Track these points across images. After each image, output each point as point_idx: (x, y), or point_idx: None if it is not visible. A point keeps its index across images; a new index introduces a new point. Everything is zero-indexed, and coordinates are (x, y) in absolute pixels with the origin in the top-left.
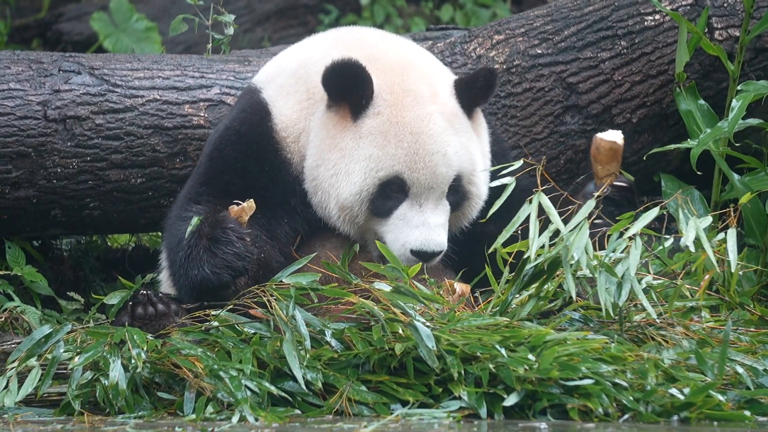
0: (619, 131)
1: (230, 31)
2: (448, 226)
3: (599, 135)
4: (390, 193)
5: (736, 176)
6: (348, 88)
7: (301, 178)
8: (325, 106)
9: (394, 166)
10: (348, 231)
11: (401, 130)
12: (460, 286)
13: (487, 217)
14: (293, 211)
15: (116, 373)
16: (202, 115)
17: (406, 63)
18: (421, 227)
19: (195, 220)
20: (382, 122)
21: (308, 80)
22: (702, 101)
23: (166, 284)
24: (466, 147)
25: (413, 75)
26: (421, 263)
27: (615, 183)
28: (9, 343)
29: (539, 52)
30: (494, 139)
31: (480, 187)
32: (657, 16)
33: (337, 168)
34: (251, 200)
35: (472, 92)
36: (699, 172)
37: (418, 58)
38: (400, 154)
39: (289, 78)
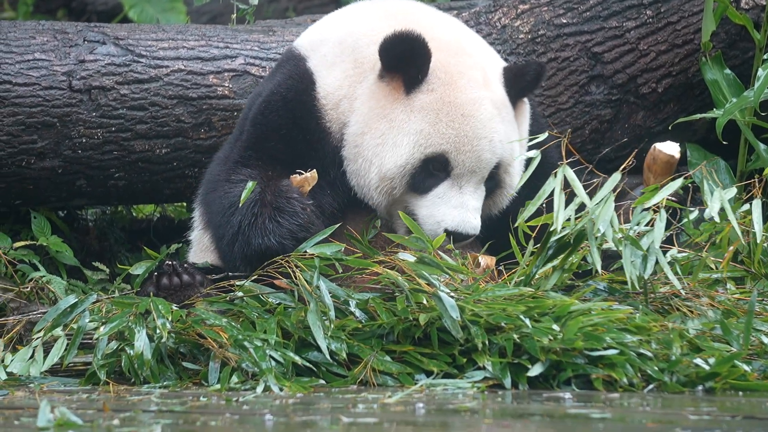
0: (677, 144)
1: (255, 1)
2: (483, 209)
3: (657, 146)
4: (432, 171)
5: (762, 146)
6: (407, 60)
7: (340, 146)
8: (377, 76)
9: (442, 145)
10: (381, 203)
11: (453, 110)
12: (484, 259)
13: (516, 188)
14: (333, 182)
15: (141, 343)
16: (227, 85)
17: (460, 45)
18: (460, 208)
19: (250, 185)
20: (435, 100)
21: (356, 50)
22: (728, 71)
23: (197, 245)
24: (509, 136)
25: (466, 58)
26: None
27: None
28: (35, 312)
29: (564, 21)
30: (533, 120)
31: (514, 177)
32: None
33: (384, 138)
34: (314, 170)
35: (521, 83)
36: (725, 142)
37: (470, 41)
38: (450, 133)
39: (334, 47)
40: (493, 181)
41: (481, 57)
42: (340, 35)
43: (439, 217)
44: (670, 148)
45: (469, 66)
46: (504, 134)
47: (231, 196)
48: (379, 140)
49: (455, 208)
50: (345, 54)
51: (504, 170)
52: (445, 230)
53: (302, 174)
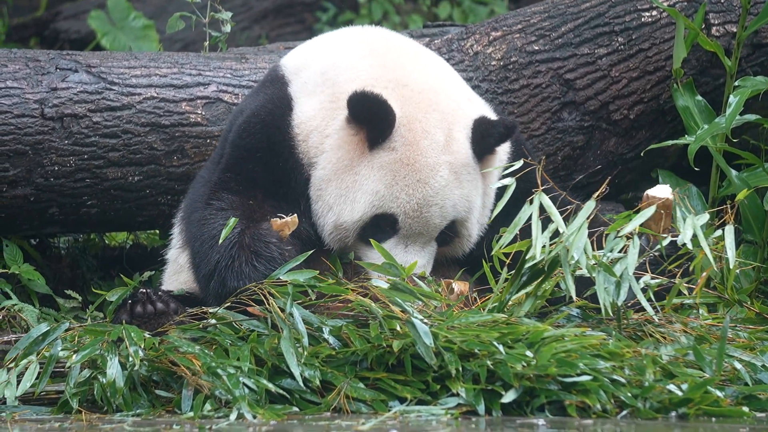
0: (667, 185)
1: (227, 28)
2: (436, 257)
3: (649, 192)
4: (382, 226)
5: (733, 172)
6: (370, 121)
7: (308, 182)
8: (346, 119)
9: (393, 208)
10: (333, 246)
11: (410, 174)
12: (458, 285)
13: (491, 218)
14: (304, 212)
15: (114, 370)
16: (200, 112)
17: (432, 94)
18: (402, 263)
19: (231, 222)
20: (395, 160)
21: (336, 84)
22: (699, 97)
23: (173, 265)
24: (466, 197)
25: (435, 114)
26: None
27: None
28: (6, 339)
29: (536, 48)
30: (515, 147)
31: (471, 229)
32: (654, 13)
33: (347, 191)
34: (294, 215)
35: (488, 141)
36: (696, 169)
37: (445, 88)
38: (403, 198)
39: (315, 76)
40: (449, 234)
41: (451, 111)
42: (324, 65)
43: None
44: (663, 191)
45: (435, 124)
46: (459, 197)
47: (211, 228)
48: (342, 192)
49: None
50: (325, 85)
51: (460, 225)
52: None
53: (283, 218)
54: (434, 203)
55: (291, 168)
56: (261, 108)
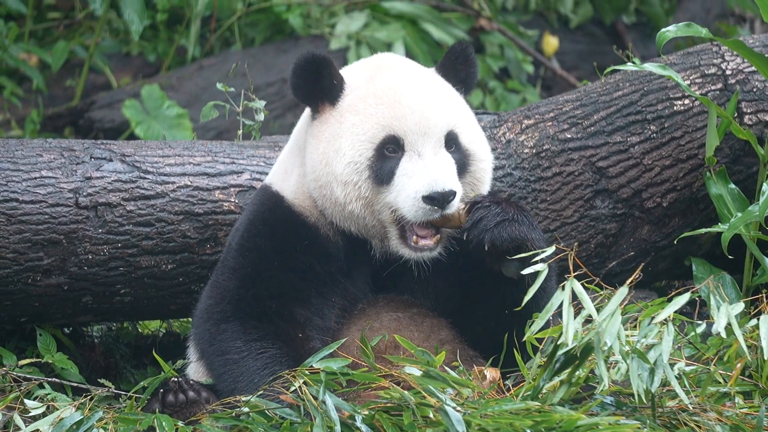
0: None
1: (261, 117)
2: (466, 196)
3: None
4: (387, 155)
5: (767, 260)
6: (316, 79)
7: (323, 222)
8: (311, 119)
9: (380, 122)
10: (362, 214)
11: (379, 92)
12: (490, 372)
13: (523, 305)
14: (337, 283)
15: None
16: (233, 200)
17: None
18: (424, 171)
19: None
20: (360, 94)
21: (300, 150)
22: (732, 185)
23: (194, 375)
24: (453, 101)
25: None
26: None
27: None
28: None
29: (569, 136)
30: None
31: (481, 146)
32: (686, 101)
33: (327, 155)
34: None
35: (453, 68)
36: (730, 257)
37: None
38: (383, 110)
39: (285, 161)
40: (460, 152)
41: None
42: (288, 149)
43: (412, 191)
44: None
45: (391, 63)
46: (444, 97)
47: (248, 371)
48: (325, 160)
49: (420, 173)
50: (295, 159)
51: (466, 139)
52: (423, 199)
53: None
54: (419, 96)
55: (309, 236)
56: (255, 213)
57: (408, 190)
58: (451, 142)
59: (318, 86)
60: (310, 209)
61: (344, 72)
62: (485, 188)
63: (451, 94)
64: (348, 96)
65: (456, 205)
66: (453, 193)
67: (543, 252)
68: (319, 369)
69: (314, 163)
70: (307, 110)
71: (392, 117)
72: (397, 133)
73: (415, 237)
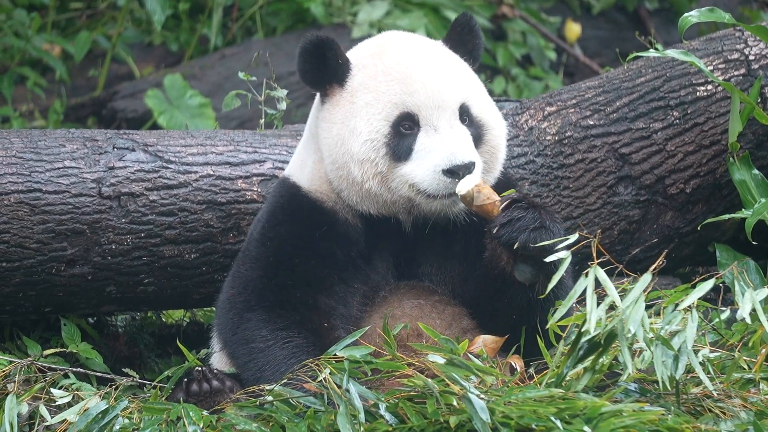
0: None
1: (283, 105)
2: (486, 169)
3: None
4: (403, 132)
5: None
6: (322, 61)
7: (341, 205)
8: (321, 104)
9: (392, 99)
10: (379, 191)
11: (389, 68)
12: (517, 364)
13: (547, 291)
14: (358, 268)
15: None
16: (255, 189)
17: None
18: (442, 144)
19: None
20: (369, 73)
21: (313, 137)
22: (756, 171)
23: (218, 365)
24: (463, 73)
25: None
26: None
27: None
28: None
29: (591, 123)
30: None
31: (493, 115)
32: (709, 87)
33: (342, 136)
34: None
35: (461, 39)
36: (754, 242)
37: None
38: (394, 86)
39: (300, 151)
40: (474, 125)
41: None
42: (303, 139)
43: (431, 165)
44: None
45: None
46: (454, 69)
47: (274, 358)
48: (340, 141)
49: (438, 147)
50: (310, 146)
51: (478, 110)
52: (443, 172)
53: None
54: (429, 70)
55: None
56: (275, 204)
57: (427, 164)
58: (465, 114)
59: (324, 68)
60: (327, 194)
61: (349, 53)
62: (501, 157)
63: (461, 65)
64: (356, 75)
65: (478, 176)
66: (473, 164)
67: (567, 239)
68: (342, 357)
69: (329, 146)
70: (317, 97)
71: (405, 93)
72: (411, 110)
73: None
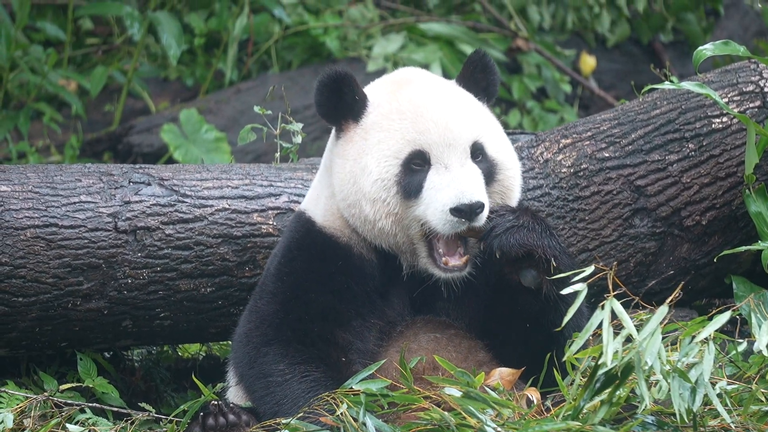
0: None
1: (298, 139)
2: (496, 205)
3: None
4: (414, 168)
5: None
6: (338, 96)
7: (356, 240)
8: (336, 139)
9: (404, 137)
10: (392, 231)
11: (402, 107)
12: (534, 396)
13: (563, 325)
14: (374, 303)
15: None
16: (271, 223)
17: None
18: (452, 184)
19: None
20: (383, 111)
21: (327, 171)
22: None
23: (234, 399)
24: (476, 111)
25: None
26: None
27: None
28: None
29: (607, 155)
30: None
31: (507, 154)
32: (724, 119)
33: (354, 174)
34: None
35: (475, 77)
36: None
37: None
38: (406, 125)
39: (315, 186)
40: (486, 161)
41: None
42: (319, 175)
43: (440, 204)
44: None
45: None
46: (467, 108)
47: (291, 393)
48: (352, 179)
49: (447, 186)
50: (324, 183)
51: (492, 149)
52: (451, 211)
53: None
54: (442, 109)
55: (343, 256)
56: (291, 239)
57: (436, 203)
58: (478, 152)
59: (341, 103)
60: (342, 229)
61: (367, 89)
62: (515, 196)
63: (474, 104)
64: (372, 113)
65: (485, 217)
66: (481, 205)
67: (582, 271)
68: (359, 391)
69: (342, 183)
70: (333, 132)
71: (416, 131)
72: (422, 148)
73: (444, 258)
